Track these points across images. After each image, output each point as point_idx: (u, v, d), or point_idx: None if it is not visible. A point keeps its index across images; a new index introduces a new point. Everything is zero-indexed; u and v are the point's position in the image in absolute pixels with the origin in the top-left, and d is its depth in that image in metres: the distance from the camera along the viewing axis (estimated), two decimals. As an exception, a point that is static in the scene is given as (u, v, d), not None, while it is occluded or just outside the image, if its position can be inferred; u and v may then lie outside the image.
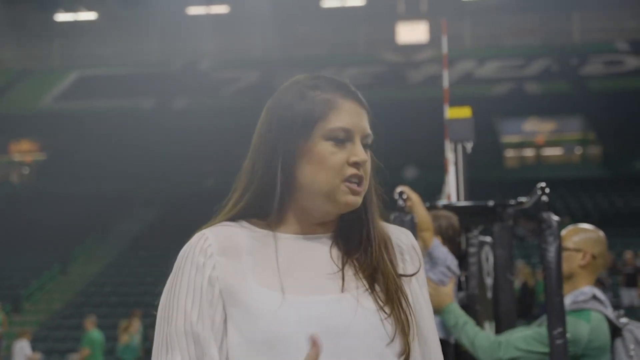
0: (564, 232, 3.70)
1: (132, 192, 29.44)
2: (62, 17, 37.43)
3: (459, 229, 4.09)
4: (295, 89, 1.70)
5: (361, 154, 1.65)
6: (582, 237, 3.67)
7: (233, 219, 1.70)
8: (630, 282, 18.02)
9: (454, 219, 4.14)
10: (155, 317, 1.66)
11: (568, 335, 3.41)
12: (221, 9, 36.19)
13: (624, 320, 3.58)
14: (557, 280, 3.43)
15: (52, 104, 36.64)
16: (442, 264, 3.90)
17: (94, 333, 15.19)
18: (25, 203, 28.65)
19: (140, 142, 32.04)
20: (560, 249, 3.48)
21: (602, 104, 31.78)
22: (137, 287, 21.64)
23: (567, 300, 3.57)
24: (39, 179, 32.87)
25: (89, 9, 37.11)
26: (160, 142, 31.69)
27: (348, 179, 1.64)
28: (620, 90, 32.75)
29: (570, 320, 3.47)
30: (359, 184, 1.65)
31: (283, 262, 1.65)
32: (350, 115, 1.66)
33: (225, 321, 1.62)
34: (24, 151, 35.31)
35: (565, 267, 3.59)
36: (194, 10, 36.27)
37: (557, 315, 3.36)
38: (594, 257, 3.62)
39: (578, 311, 3.53)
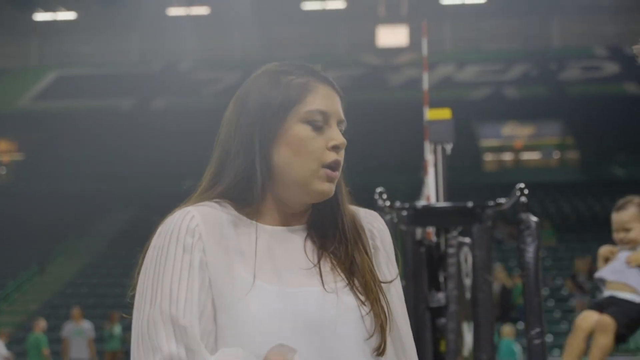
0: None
1: (111, 192, 29.28)
2: (41, 16, 37.15)
3: None
4: (268, 75, 1.68)
5: (340, 138, 1.64)
6: None
7: (212, 199, 1.66)
8: (607, 286, 18.12)
9: None
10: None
11: None
12: (202, 10, 36.08)
13: None
14: (535, 281, 3.44)
15: (31, 103, 36.38)
16: None
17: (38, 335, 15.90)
18: (3, 203, 28.42)
19: (120, 142, 31.88)
20: (538, 249, 3.48)
21: (581, 109, 31.96)
22: (115, 288, 21.49)
23: None
24: (17, 179, 32.62)
25: (68, 8, 36.85)
26: (139, 142, 31.55)
27: (328, 165, 1.62)
28: (598, 95, 32.94)
29: None
30: (336, 170, 1.64)
31: (263, 253, 1.60)
32: (326, 99, 1.65)
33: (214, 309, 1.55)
34: (2, 151, 35.00)
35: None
36: (175, 11, 36.13)
37: (535, 315, 3.38)
38: None
39: None
